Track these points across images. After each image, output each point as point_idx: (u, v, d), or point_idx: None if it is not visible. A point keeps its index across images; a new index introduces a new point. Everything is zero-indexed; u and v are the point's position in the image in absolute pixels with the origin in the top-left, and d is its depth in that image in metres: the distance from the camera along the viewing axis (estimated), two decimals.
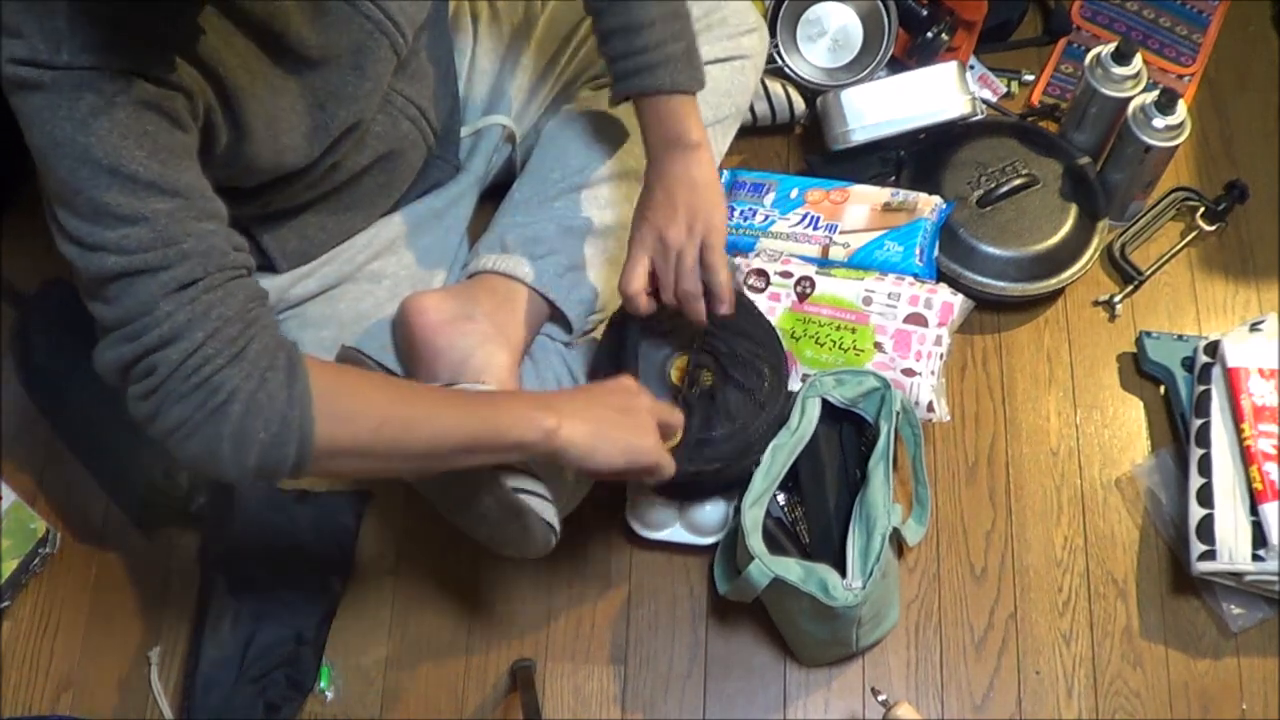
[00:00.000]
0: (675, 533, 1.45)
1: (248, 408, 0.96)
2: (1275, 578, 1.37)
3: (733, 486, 1.39)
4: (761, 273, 1.50)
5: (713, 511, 1.43)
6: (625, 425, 1.15)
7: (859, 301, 1.48)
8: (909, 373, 1.45)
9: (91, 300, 0.99)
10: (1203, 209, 1.69)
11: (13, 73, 0.93)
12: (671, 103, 1.26)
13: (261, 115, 1.10)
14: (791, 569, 1.30)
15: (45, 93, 0.93)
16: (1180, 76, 1.80)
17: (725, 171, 1.66)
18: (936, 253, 1.56)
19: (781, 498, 1.44)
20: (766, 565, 1.29)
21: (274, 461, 0.98)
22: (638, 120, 1.29)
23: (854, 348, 1.47)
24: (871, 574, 1.29)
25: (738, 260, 1.53)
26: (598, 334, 1.41)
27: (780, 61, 1.71)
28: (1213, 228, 1.68)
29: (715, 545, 1.45)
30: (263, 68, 1.09)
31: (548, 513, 1.22)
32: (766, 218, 1.60)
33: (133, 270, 0.96)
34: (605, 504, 1.47)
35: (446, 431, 1.08)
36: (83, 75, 0.92)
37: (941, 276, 1.57)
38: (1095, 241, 1.62)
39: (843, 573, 1.30)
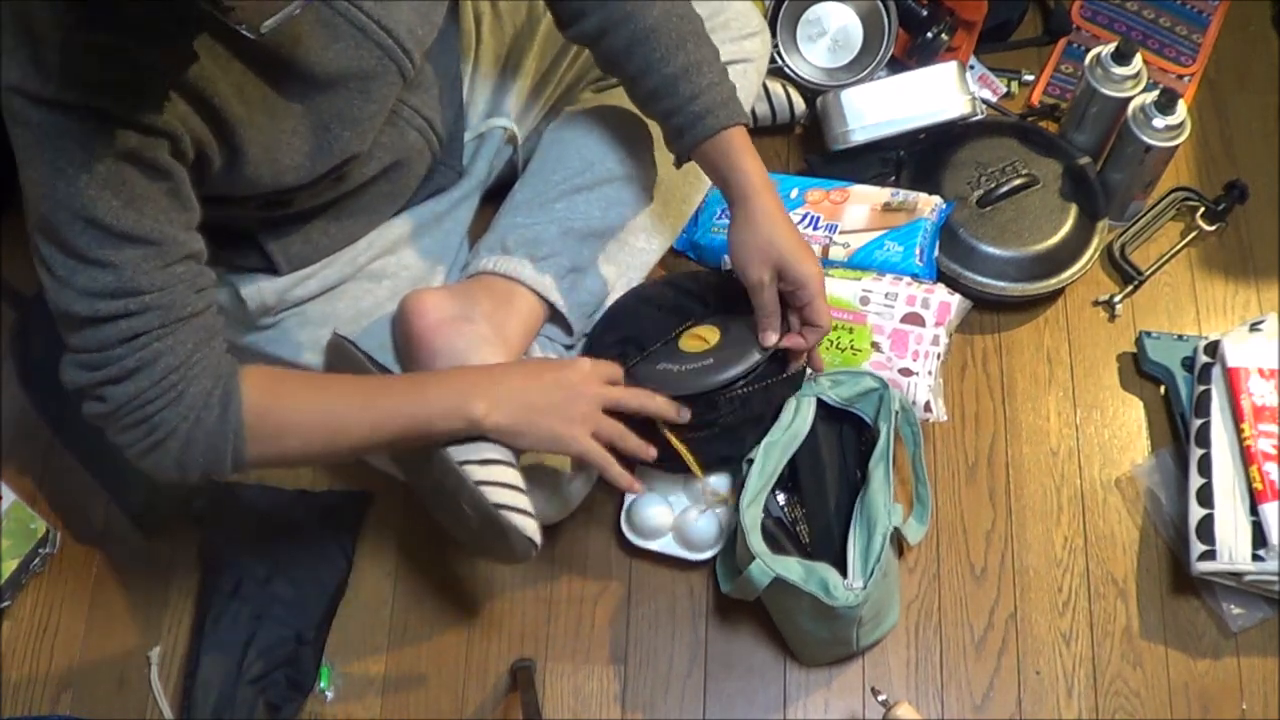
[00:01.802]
0: (667, 544, 1.44)
1: (185, 443, 1.08)
2: (1275, 578, 1.37)
3: (728, 459, 1.39)
4: None
5: (705, 527, 1.42)
6: (556, 413, 1.20)
7: (856, 301, 1.48)
8: (906, 372, 1.45)
9: (57, 322, 1.07)
10: (1203, 209, 1.69)
11: (9, 101, 0.96)
12: (741, 135, 1.27)
13: (258, 141, 1.10)
14: (792, 568, 1.30)
15: (32, 133, 0.97)
16: (1180, 76, 1.80)
17: None
18: (936, 253, 1.56)
19: (781, 498, 1.44)
20: (767, 564, 1.29)
21: (214, 472, 1.11)
22: (709, 164, 1.29)
23: (851, 347, 1.47)
24: (872, 574, 1.29)
25: None
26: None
27: (780, 62, 1.71)
28: (1213, 228, 1.68)
29: (707, 561, 1.44)
30: (261, 94, 1.09)
31: (529, 528, 1.22)
32: None
33: (95, 317, 1.03)
34: (605, 504, 1.47)
35: (374, 432, 1.17)
36: (68, 120, 0.96)
37: (941, 276, 1.57)
38: (1095, 241, 1.62)
39: (843, 572, 1.30)
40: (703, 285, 1.43)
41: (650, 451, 1.26)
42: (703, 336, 1.35)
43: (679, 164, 1.33)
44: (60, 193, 0.99)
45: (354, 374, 1.28)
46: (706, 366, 1.31)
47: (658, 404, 1.27)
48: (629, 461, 1.26)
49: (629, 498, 1.45)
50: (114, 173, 0.99)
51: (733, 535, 1.40)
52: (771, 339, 1.30)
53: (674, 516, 1.45)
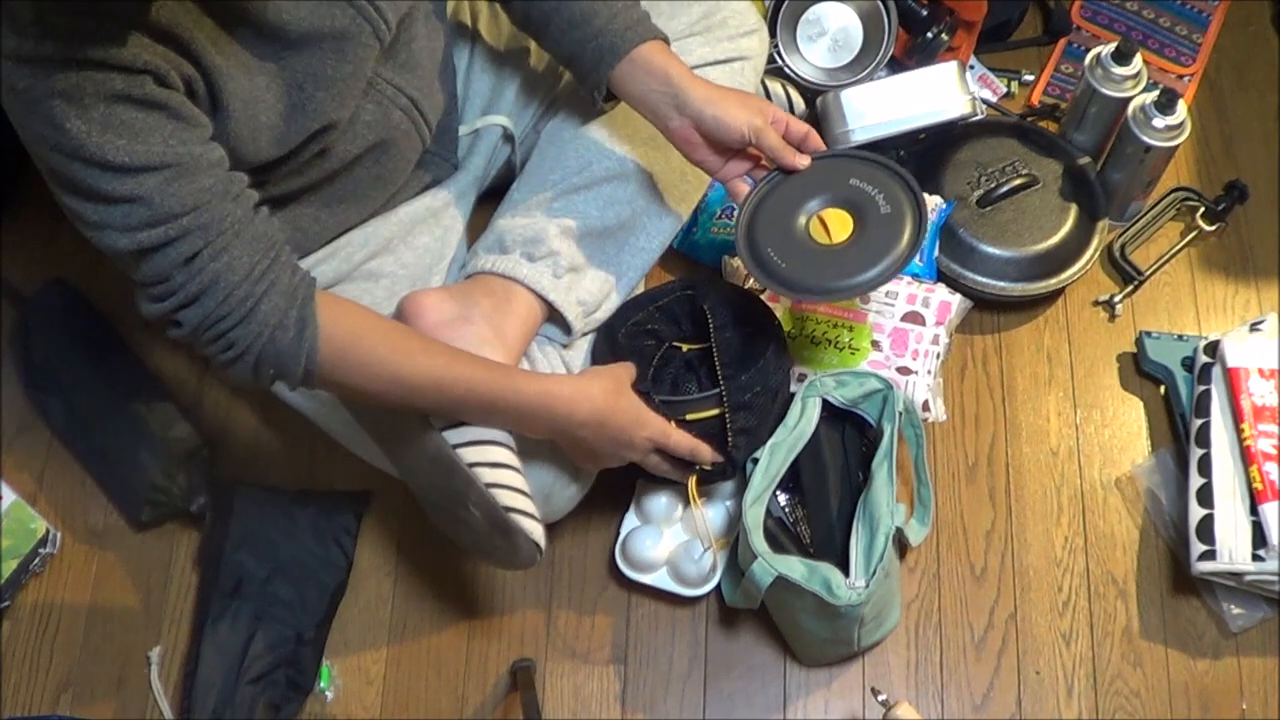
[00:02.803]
0: (660, 579, 1.44)
1: (259, 358, 1.10)
2: (1275, 578, 1.37)
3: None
4: None
5: (700, 563, 1.42)
6: (610, 457, 1.31)
7: (856, 300, 1.48)
8: (905, 371, 1.45)
9: (115, 262, 1.08)
10: (1203, 209, 1.69)
11: None
12: (658, 46, 1.30)
13: (238, 95, 1.10)
14: (795, 567, 1.30)
15: (22, 97, 0.99)
16: (1180, 76, 1.80)
17: None
18: (936, 253, 1.56)
19: (783, 498, 1.44)
20: (770, 564, 1.29)
21: (285, 381, 1.13)
22: (629, 89, 1.30)
23: (850, 346, 1.47)
24: (875, 573, 1.29)
25: (736, 261, 1.53)
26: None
27: (780, 61, 1.71)
28: (1213, 228, 1.68)
29: (699, 598, 1.44)
30: (235, 49, 1.10)
31: (535, 532, 1.22)
32: None
33: (140, 248, 1.05)
34: (605, 506, 1.47)
35: (441, 400, 1.20)
36: (52, 75, 0.97)
37: (942, 276, 1.57)
38: (1095, 241, 1.62)
39: (846, 572, 1.31)
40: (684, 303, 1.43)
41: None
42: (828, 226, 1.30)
43: (599, 98, 1.33)
44: (66, 147, 1.00)
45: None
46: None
47: (702, 454, 1.33)
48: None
49: (624, 530, 1.45)
50: (109, 115, 1.00)
51: (733, 552, 1.40)
52: (819, 144, 1.32)
53: (669, 550, 1.44)
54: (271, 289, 1.09)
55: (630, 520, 1.46)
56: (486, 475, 1.22)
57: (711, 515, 1.45)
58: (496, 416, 1.24)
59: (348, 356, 1.13)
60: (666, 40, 1.32)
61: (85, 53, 0.98)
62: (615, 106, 1.42)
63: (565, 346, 1.40)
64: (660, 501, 1.45)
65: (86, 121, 0.99)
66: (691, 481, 1.34)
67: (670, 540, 1.45)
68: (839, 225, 1.28)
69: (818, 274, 1.26)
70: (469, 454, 1.23)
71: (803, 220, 1.29)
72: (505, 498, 1.21)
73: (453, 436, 1.24)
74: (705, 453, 1.33)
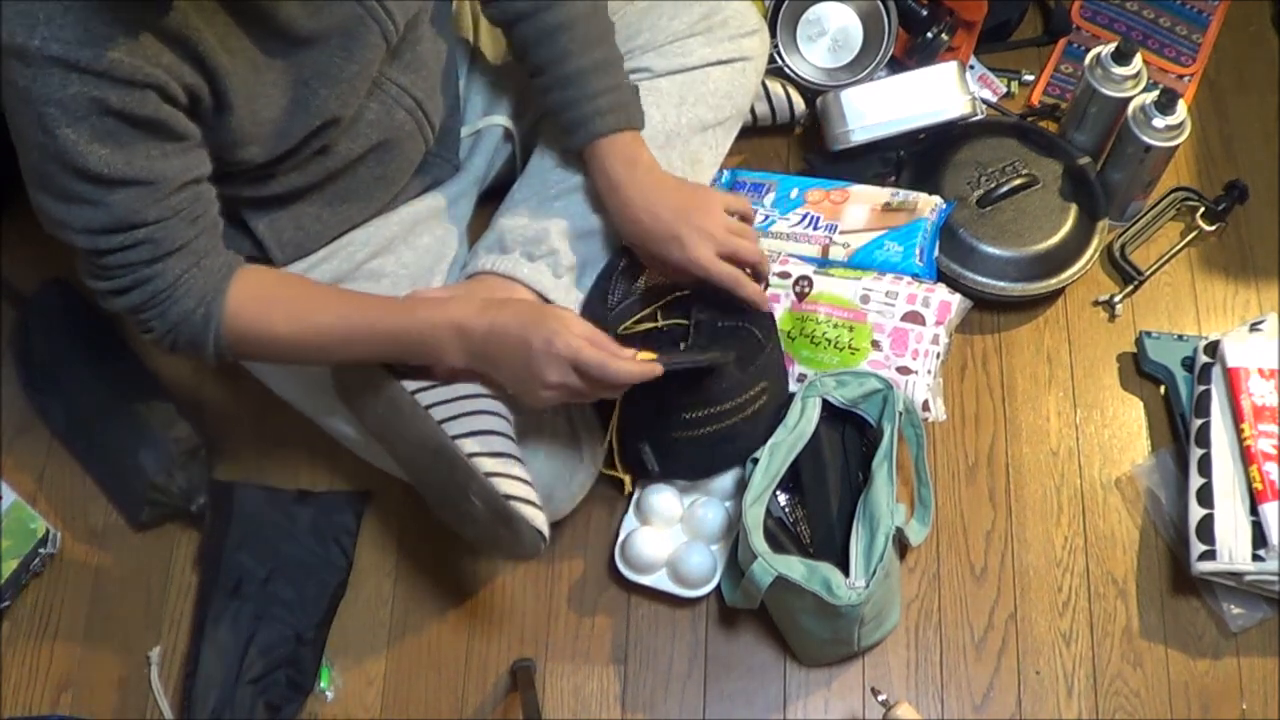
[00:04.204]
0: (660, 580, 1.44)
1: (173, 345, 1.19)
2: (1275, 578, 1.37)
3: (715, 466, 1.42)
4: None
5: (699, 565, 1.42)
6: (519, 383, 1.22)
7: (857, 300, 1.48)
8: (905, 371, 1.45)
9: (66, 245, 1.13)
10: (1203, 209, 1.69)
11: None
12: (627, 136, 1.33)
13: (241, 92, 1.11)
14: (795, 567, 1.30)
15: (19, 92, 1.00)
16: (1180, 76, 1.80)
17: (725, 172, 1.66)
18: (936, 253, 1.56)
19: (783, 498, 1.44)
20: (770, 564, 1.29)
21: (201, 360, 1.21)
22: (589, 164, 1.34)
23: (850, 346, 1.47)
24: (875, 573, 1.30)
25: None
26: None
27: (780, 62, 1.71)
28: (1213, 228, 1.68)
29: (699, 599, 1.44)
30: (244, 46, 1.10)
31: (538, 520, 1.22)
32: (766, 218, 1.60)
33: (94, 249, 1.11)
34: (606, 505, 1.47)
35: (350, 358, 1.25)
36: (51, 77, 0.99)
37: (942, 276, 1.57)
38: (1095, 241, 1.62)
39: (846, 572, 1.31)
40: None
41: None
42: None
43: (568, 153, 1.36)
44: (50, 149, 1.02)
45: (360, 375, 1.28)
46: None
47: (622, 367, 1.18)
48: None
49: (624, 531, 1.45)
50: (99, 126, 1.02)
51: (734, 542, 1.40)
52: (760, 298, 1.34)
53: (669, 551, 1.44)
54: (187, 294, 1.15)
55: (630, 521, 1.46)
56: (487, 465, 1.22)
57: (711, 516, 1.44)
58: (413, 354, 1.23)
59: (252, 338, 1.19)
60: (639, 126, 1.34)
61: (90, 61, 0.99)
62: None
63: None
64: (660, 502, 1.45)
65: (76, 130, 1.02)
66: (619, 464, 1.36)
67: (670, 541, 1.44)
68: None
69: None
70: (469, 445, 1.23)
71: None
72: (506, 486, 1.21)
73: (453, 428, 1.24)
74: (623, 371, 1.18)
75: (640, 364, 1.19)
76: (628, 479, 1.43)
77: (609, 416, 1.41)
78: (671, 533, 1.45)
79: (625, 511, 1.47)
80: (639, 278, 1.43)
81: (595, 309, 1.37)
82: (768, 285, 1.41)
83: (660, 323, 1.42)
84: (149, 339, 1.19)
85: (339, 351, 1.23)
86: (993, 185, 1.61)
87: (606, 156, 1.32)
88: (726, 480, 1.46)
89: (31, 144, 1.04)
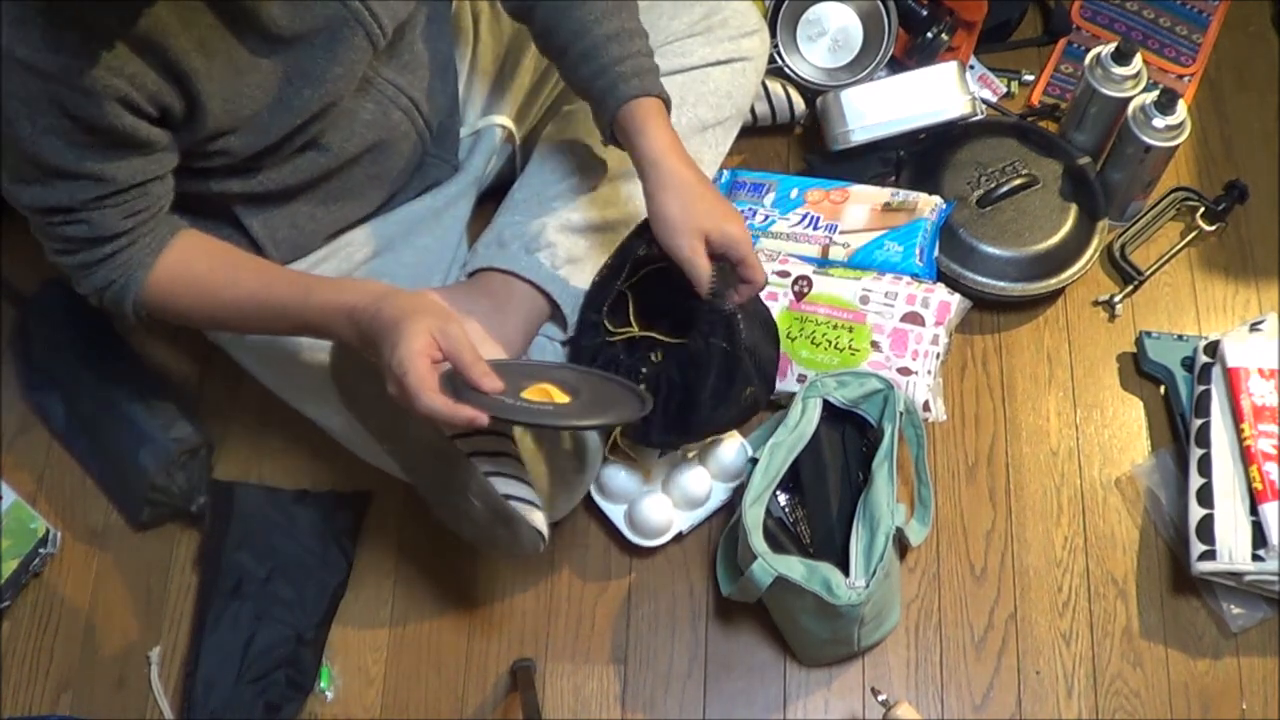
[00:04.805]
0: (616, 514, 1.44)
1: (99, 301, 1.21)
2: (1275, 578, 1.37)
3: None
4: None
5: (653, 518, 1.42)
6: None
7: (856, 300, 1.48)
8: (905, 371, 1.46)
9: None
10: (1203, 209, 1.69)
11: None
12: (658, 107, 1.27)
13: (217, 95, 1.12)
14: (795, 567, 1.30)
15: None
16: (1180, 76, 1.80)
17: (725, 172, 1.66)
18: (936, 253, 1.56)
19: (783, 498, 1.44)
20: (769, 564, 1.29)
21: (122, 318, 1.24)
22: (624, 132, 1.27)
23: (850, 347, 1.47)
24: (875, 573, 1.30)
25: None
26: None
27: (780, 61, 1.71)
28: (1213, 228, 1.68)
29: (652, 549, 1.45)
30: (226, 46, 1.11)
31: (536, 519, 1.22)
32: (766, 218, 1.60)
33: (37, 221, 1.16)
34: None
35: (260, 330, 1.27)
36: (14, 79, 1.02)
37: (942, 276, 1.57)
38: (1095, 241, 1.62)
39: (846, 572, 1.31)
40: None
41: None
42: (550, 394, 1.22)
43: (607, 140, 1.31)
44: (7, 135, 1.06)
45: (360, 374, 1.28)
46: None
47: (432, 403, 1.07)
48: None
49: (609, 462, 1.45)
50: (56, 125, 1.05)
51: (732, 537, 1.40)
52: (718, 298, 1.25)
53: (637, 492, 1.45)
54: (112, 268, 1.18)
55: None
56: (485, 465, 1.22)
57: (693, 485, 1.44)
58: (311, 332, 1.20)
59: (166, 311, 1.22)
60: (667, 101, 1.28)
61: (53, 68, 1.01)
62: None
63: (565, 344, 1.41)
64: (658, 458, 1.46)
65: (33, 124, 1.05)
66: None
67: (645, 486, 1.46)
68: (557, 393, 1.22)
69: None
70: (467, 444, 1.23)
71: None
72: (505, 486, 1.21)
73: None
74: (430, 407, 1.06)
75: (455, 409, 1.06)
76: (617, 437, 1.42)
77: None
78: (650, 486, 1.46)
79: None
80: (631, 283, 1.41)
81: (591, 303, 1.36)
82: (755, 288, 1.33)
83: (636, 332, 1.38)
84: (80, 292, 1.22)
85: (249, 328, 1.27)
86: (993, 185, 1.61)
87: (629, 124, 1.25)
88: (725, 458, 1.46)
89: None
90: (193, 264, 1.21)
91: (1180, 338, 1.58)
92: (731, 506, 1.45)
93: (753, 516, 1.33)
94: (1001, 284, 1.59)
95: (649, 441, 1.37)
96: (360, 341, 1.13)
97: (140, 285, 1.19)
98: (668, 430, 1.31)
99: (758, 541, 1.31)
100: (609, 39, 1.26)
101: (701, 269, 1.24)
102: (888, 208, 1.57)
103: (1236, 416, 1.44)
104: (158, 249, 1.19)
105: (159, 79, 1.07)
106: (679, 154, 1.25)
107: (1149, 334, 1.59)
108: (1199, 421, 1.47)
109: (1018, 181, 1.61)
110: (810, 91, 1.73)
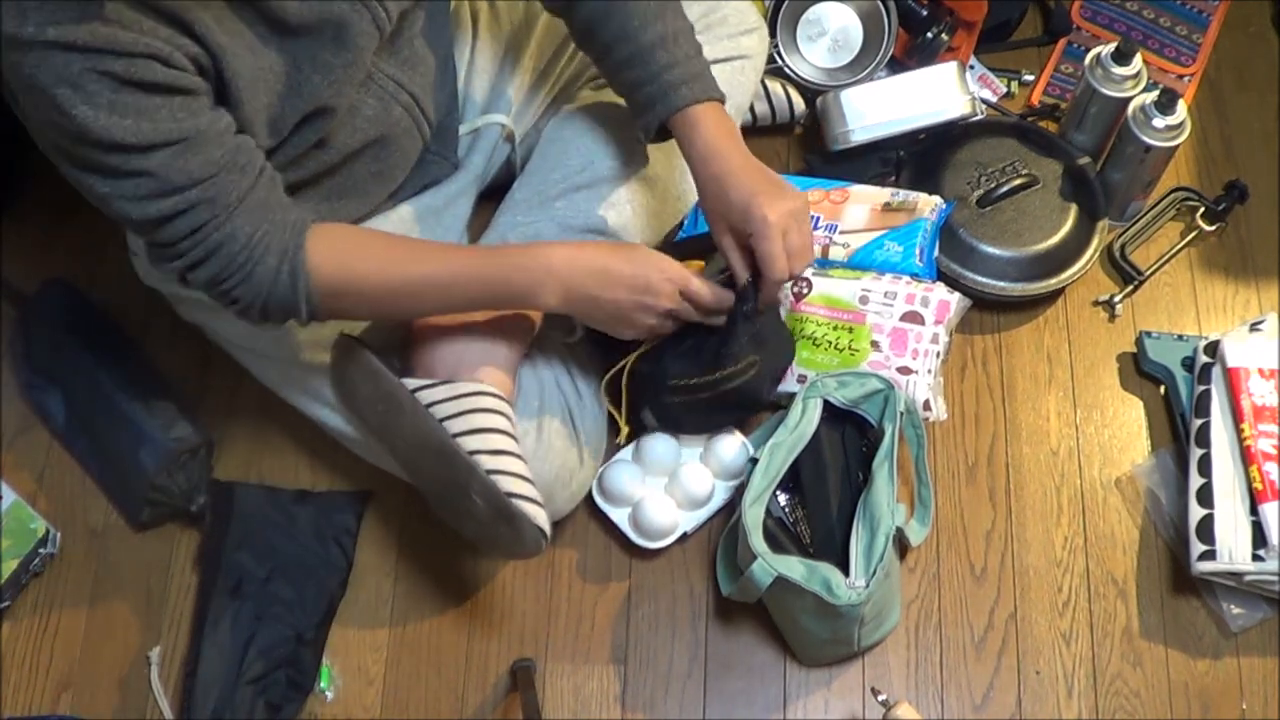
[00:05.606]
0: (620, 518, 1.44)
1: (264, 310, 1.17)
2: (1275, 578, 1.37)
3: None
4: None
5: (657, 519, 1.43)
6: (618, 321, 1.27)
7: (855, 300, 1.48)
8: (905, 371, 1.46)
9: (125, 227, 1.17)
10: (1203, 209, 1.69)
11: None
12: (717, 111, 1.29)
13: (243, 73, 1.11)
14: (794, 567, 1.30)
15: (25, 85, 1.00)
16: (1180, 76, 1.80)
17: None
18: (936, 253, 1.56)
19: (783, 498, 1.44)
20: (769, 564, 1.29)
21: (296, 321, 1.21)
22: (673, 133, 1.29)
23: (850, 347, 1.47)
24: (875, 573, 1.30)
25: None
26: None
27: (780, 61, 1.71)
28: (1213, 228, 1.68)
29: (656, 551, 1.45)
30: (240, 29, 1.10)
31: (539, 517, 1.22)
32: None
33: (149, 218, 1.09)
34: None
35: (446, 305, 1.26)
36: (53, 60, 0.98)
37: (942, 277, 1.57)
38: (1095, 241, 1.62)
39: (846, 572, 1.31)
40: None
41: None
42: None
43: (647, 139, 1.33)
44: (73, 131, 1.02)
45: (361, 373, 1.28)
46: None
47: (719, 291, 1.29)
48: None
49: (614, 458, 1.46)
50: (114, 99, 1.02)
51: (732, 537, 1.40)
52: (743, 277, 1.30)
53: (642, 495, 1.44)
54: (267, 253, 1.14)
55: (625, 453, 1.47)
56: (488, 462, 1.22)
57: (696, 483, 1.46)
58: (504, 297, 1.24)
59: (342, 291, 1.19)
60: (722, 99, 1.30)
61: (87, 39, 0.99)
62: (615, 103, 1.42)
63: (567, 344, 1.41)
64: (660, 451, 1.46)
65: (93, 107, 1.01)
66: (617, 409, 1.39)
67: (648, 488, 1.45)
68: None
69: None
70: (470, 442, 1.23)
71: None
72: (507, 483, 1.22)
73: (453, 426, 1.24)
74: (719, 294, 1.29)
75: (719, 289, 1.28)
76: (625, 430, 1.43)
77: (606, 370, 1.42)
78: (655, 483, 1.46)
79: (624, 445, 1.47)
80: None
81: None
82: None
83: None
84: (237, 311, 1.17)
85: (431, 300, 1.24)
86: (993, 185, 1.61)
87: (693, 125, 1.27)
88: (725, 456, 1.46)
89: (55, 130, 1.03)
90: (349, 241, 1.22)
91: (1180, 338, 1.58)
92: (732, 506, 1.45)
93: (753, 516, 1.33)
94: (1001, 284, 1.59)
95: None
96: (566, 292, 1.22)
97: (307, 268, 1.15)
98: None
99: (758, 541, 1.31)
100: (654, 45, 1.26)
101: (732, 258, 1.29)
102: (888, 208, 1.57)
103: (1236, 416, 1.44)
104: (301, 227, 1.16)
105: (193, 44, 1.06)
106: (719, 149, 1.27)
107: (1149, 334, 1.59)
108: (1199, 421, 1.47)
109: (1018, 181, 1.61)
110: (810, 91, 1.73)
